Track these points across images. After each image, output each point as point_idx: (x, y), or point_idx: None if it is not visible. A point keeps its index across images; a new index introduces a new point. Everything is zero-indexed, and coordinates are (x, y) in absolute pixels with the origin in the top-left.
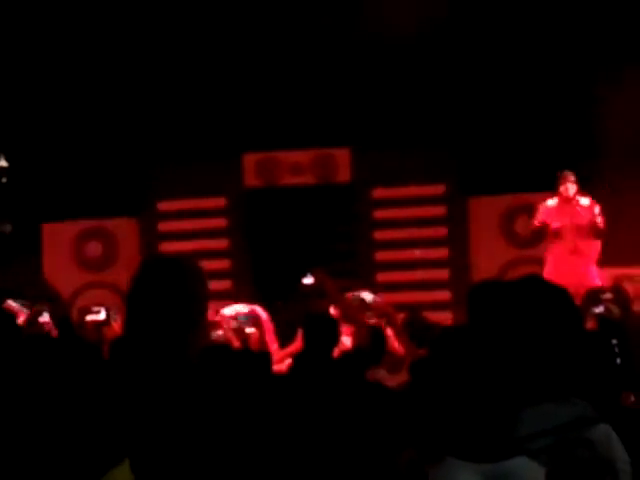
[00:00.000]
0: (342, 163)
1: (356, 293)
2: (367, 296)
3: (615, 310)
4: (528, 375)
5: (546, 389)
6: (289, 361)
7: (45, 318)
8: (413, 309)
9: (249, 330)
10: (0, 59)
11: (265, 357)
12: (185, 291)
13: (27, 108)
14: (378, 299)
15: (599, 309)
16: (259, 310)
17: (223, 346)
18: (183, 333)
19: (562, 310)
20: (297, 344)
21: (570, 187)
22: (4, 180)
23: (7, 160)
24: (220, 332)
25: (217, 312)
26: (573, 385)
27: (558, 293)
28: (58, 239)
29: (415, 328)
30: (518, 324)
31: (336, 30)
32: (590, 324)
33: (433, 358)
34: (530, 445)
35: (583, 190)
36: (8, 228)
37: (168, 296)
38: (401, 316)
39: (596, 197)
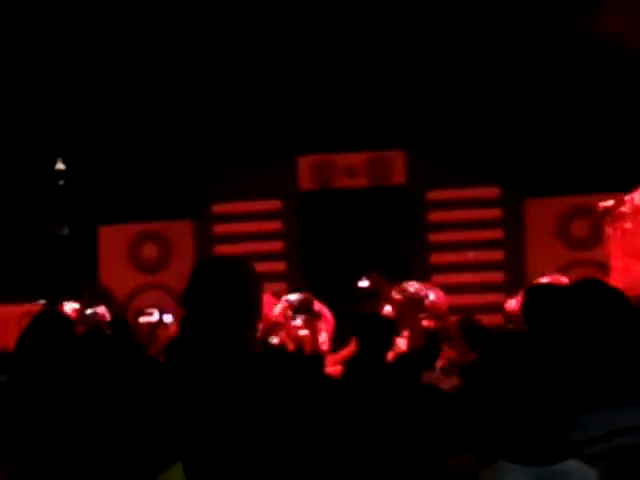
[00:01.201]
0: (397, 165)
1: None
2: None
3: None
4: (586, 379)
5: (605, 394)
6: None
7: (100, 314)
8: (466, 312)
9: (303, 333)
10: (60, 62)
11: (318, 360)
12: (240, 293)
13: (85, 111)
14: (435, 298)
15: None
16: (317, 311)
17: (278, 349)
18: (238, 336)
19: (620, 313)
20: (351, 348)
21: None
22: (62, 183)
23: (65, 163)
24: (275, 334)
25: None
26: (632, 391)
27: (615, 296)
28: (114, 241)
29: (468, 331)
30: (575, 327)
31: (393, 33)
32: None
33: (484, 361)
34: (587, 450)
35: None
36: (66, 230)
37: (224, 298)
38: (455, 319)
39: None
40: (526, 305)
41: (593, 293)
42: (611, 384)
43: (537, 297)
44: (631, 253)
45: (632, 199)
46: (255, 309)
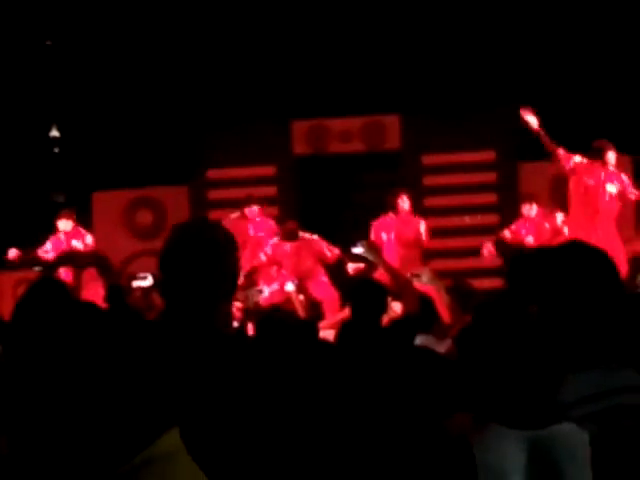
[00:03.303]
0: (392, 130)
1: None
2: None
3: None
4: (573, 341)
5: (592, 356)
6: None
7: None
8: (460, 276)
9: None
10: (53, 31)
11: (312, 324)
12: (215, 257)
13: (78, 79)
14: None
15: None
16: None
17: (271, 314)
18: (213, 300)
19: (604, 274)
20: (345, 312)
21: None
22: (56, 150)
23: (59, 130)
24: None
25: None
26: (620, 352)
27: (600, 257)
28: (109, 208)
29: (460, 294)
30: (560, 289)
31: None
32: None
33: (476, 325)
34: (575, 412)
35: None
36: (61, 198)
37: (197, 262)
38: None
39: None
40: (512, 269)
41: (578, 254)
42: (598, 345)
43: (523, 261)
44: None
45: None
46: (230, 273)
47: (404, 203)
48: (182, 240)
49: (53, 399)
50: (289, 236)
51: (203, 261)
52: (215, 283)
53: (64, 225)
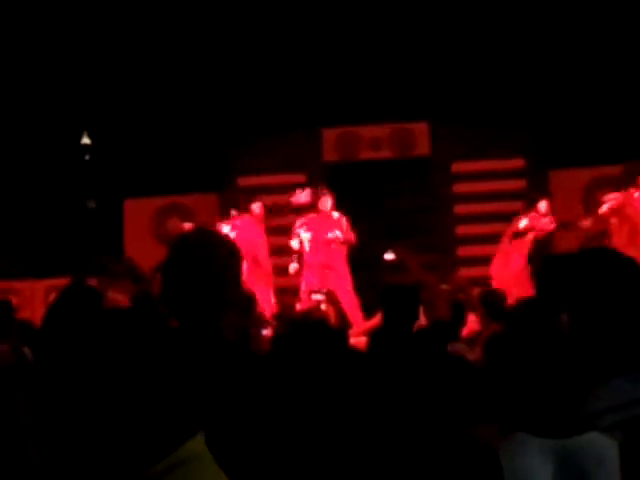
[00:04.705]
0: (420, 137)
1: None
2: None
3: None
4: (601, 350)
5: (619, 364)
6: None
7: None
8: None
9: (324, 307)
10: (85, 37)
11: (342, 332)
12: (215, 267)
13: (110, 86)
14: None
15: None
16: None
17: (303, 321)
18: (213, 310)
19: (632, 281)
20: (376, 319)
21: None
22: (87, 157)
23: (90, 138)
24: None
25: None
26: None
27: (629, 264)
28: (140, 215)
29: (489, 302)
30: (589, 297)
31: (417, 3)
32: None
33: (505, 333)
34: (602, 421)
35: None
36: (92, 204)
37: (198, 272)
38: (477, 290)
39: None
40: (541, 274)
41: (606, 261)
42: (626, 354)
43: (551, 266)
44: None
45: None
46: (231, 284)
47: (327, 203)
48: (182, 251)
49: (82, 405)
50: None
51: (203, 272)
52: (216, 293)
53: None
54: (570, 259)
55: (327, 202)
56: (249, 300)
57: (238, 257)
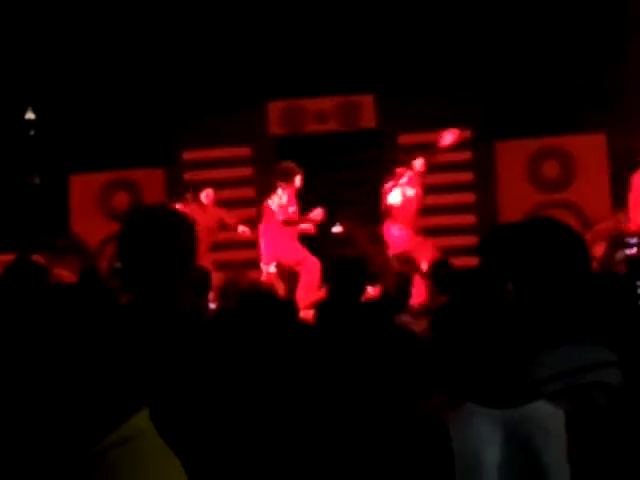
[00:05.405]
0: (367, 110)
1: None
2: None
3: None
4: (546, 318)
5: (565, 332)
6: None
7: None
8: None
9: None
10: (30, 10)
11: (291, 304)
12: (170, 242)
13: (54, 61)
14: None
15: (630, 251)
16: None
17: (253, 292)
18: (169, 284)
19: (574, 251)
20: (322, 292)
21: None
22: (32, 132)
23: (35, 112)
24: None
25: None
26: (591, 328)
27: (570, 234)
28: (85, 190)
29: (439, 274)
30: (531, 266)
31: None
32: (619, 267)
33: (450, 305)
34: (548, 387)
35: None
36: (36, 180)
37: (152, 247)
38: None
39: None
40: (484, 244)
41: (549, 230)
42: (570, 321)
43: (496, 236)
44: None
45: None
46: (185, 258)
47: (208, 197)
48: (135, 224)
49: (22, 381)
50: (283, 175)
51: (157, 243)
52: (170, 264)
53: None
54: (514, 229)
55: None
56: (205, 276)
57: (191, 229)
